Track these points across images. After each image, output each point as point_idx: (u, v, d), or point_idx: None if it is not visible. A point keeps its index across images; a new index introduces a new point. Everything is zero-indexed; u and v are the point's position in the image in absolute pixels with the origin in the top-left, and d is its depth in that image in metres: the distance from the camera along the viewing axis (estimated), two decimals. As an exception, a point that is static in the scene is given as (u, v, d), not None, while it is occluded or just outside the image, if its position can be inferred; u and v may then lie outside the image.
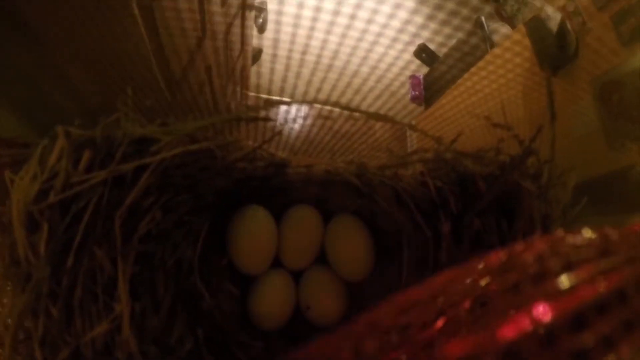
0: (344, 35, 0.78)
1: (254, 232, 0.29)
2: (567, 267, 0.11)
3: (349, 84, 0.84)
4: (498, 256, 0.13)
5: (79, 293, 0.21)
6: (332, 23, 0.75)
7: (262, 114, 0.21)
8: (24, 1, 0.36)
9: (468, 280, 0.13)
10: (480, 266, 0.13)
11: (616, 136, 0.55)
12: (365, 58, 0.82)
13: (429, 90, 0.89)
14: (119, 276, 0.22)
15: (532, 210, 0.25)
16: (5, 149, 0.25)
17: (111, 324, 0.21)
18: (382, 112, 0.89)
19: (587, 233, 0.14)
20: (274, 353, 0.29)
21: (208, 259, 0.29)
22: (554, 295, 0.10)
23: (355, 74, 0.83)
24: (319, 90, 0.81)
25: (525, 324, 0.10)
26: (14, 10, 0.35)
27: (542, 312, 0.10)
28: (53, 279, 0.21)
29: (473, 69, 0.78)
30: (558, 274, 0.11)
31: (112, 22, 0.44)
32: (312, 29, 0.77)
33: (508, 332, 0.10)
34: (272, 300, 0.30)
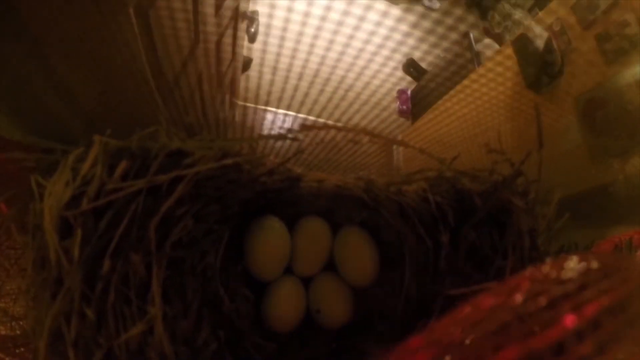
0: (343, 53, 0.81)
1: (270, 242, 0.31)
2: (552, 304, 0.14)
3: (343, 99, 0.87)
4: (488, 301, 0.16)
5: (112, 297, 0.22)
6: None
7: (289, 134, 0.24)
8: (26, 10, 0.37)
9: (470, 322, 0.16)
10: (477, 309, 0.16)
11: (599, 152, 0.57)
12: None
13: (416, 104, 0.92)
14: (152, 280, 0.23)
15: (520, 224, 0.28)
16: (26, 153, 0.24)
17: (145, 326, 0.22)
18: (372, 121, 0.92)
19: (571, 263, 0.16)
20: (286, 353, 0.31)
21: (226, 265, 0.31)
22: (543, 326, 0.13)
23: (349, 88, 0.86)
24: (315, 102, 0.84)
25: (521, 351, 0.13)
26: (17, 18, 0.36)
27: (535, 340, 0.13)
28: (86, 283, 0.22)
29: (459, 87, 0.80)
30: (545, 309, 0.14)
31: (110, 29, 0.45)
32: (312, 45, 0.80)
33: (508, 355, 0.13)
34: (284, 304, 0.32)
